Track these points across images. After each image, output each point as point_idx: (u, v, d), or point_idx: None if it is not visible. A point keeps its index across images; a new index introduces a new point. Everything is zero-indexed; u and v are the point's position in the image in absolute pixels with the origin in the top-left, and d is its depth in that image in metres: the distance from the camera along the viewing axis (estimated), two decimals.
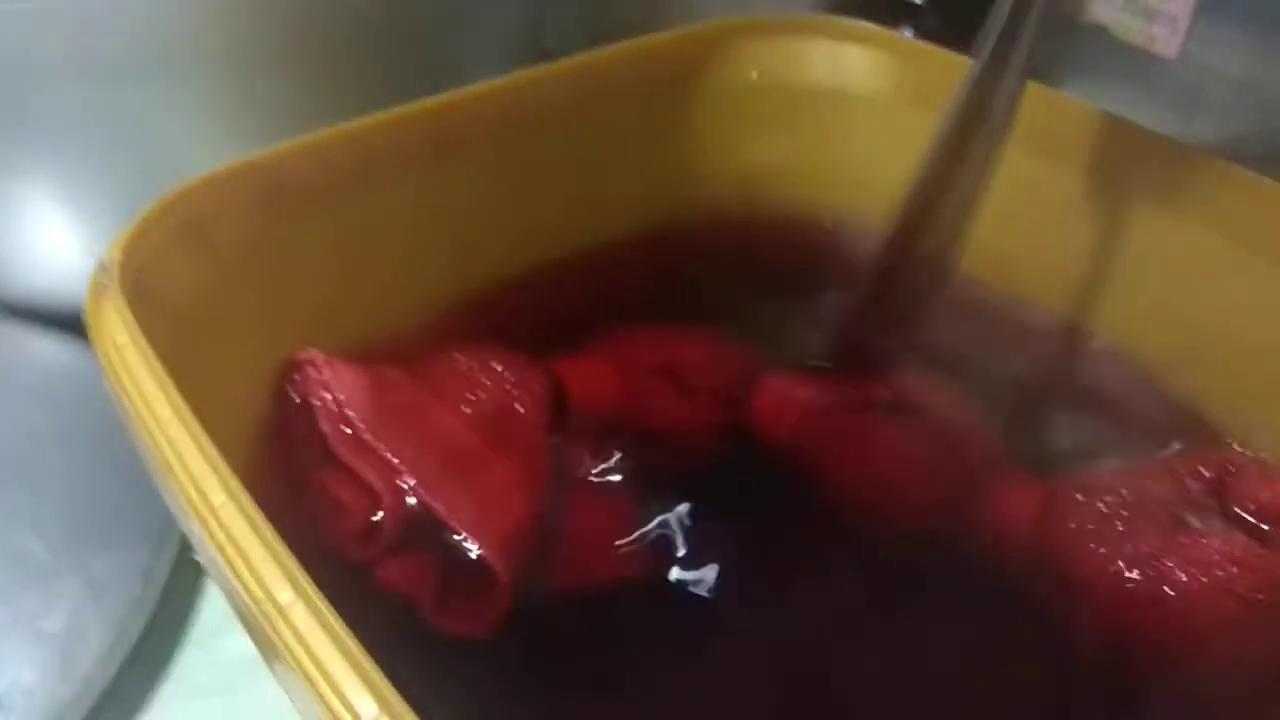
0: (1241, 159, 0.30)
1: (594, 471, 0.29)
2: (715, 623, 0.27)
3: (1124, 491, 0.26)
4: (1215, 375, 0.30)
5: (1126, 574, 0.25)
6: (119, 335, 0.21)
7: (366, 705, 0.14)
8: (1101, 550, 0.25)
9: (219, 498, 0.18)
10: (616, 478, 0.29)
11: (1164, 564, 0.24)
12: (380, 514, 0.25)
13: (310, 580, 0.16)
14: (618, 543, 0.27)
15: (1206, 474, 0.26)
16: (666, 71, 0.36)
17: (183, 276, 0.25)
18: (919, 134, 0.30)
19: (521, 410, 0.28)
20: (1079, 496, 0.26)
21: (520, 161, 0.33)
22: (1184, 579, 0.24)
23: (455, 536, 0.25)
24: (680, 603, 0.27)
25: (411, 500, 0.25)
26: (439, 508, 0.25)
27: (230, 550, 0.17)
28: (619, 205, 0.36)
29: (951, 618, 0.26)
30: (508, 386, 0.28)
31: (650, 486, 0.29)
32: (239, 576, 0.16)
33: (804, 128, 0.37)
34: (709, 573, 0.27)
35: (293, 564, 0.16)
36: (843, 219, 0.38)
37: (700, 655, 0.26)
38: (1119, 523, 0.25)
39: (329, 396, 0.27)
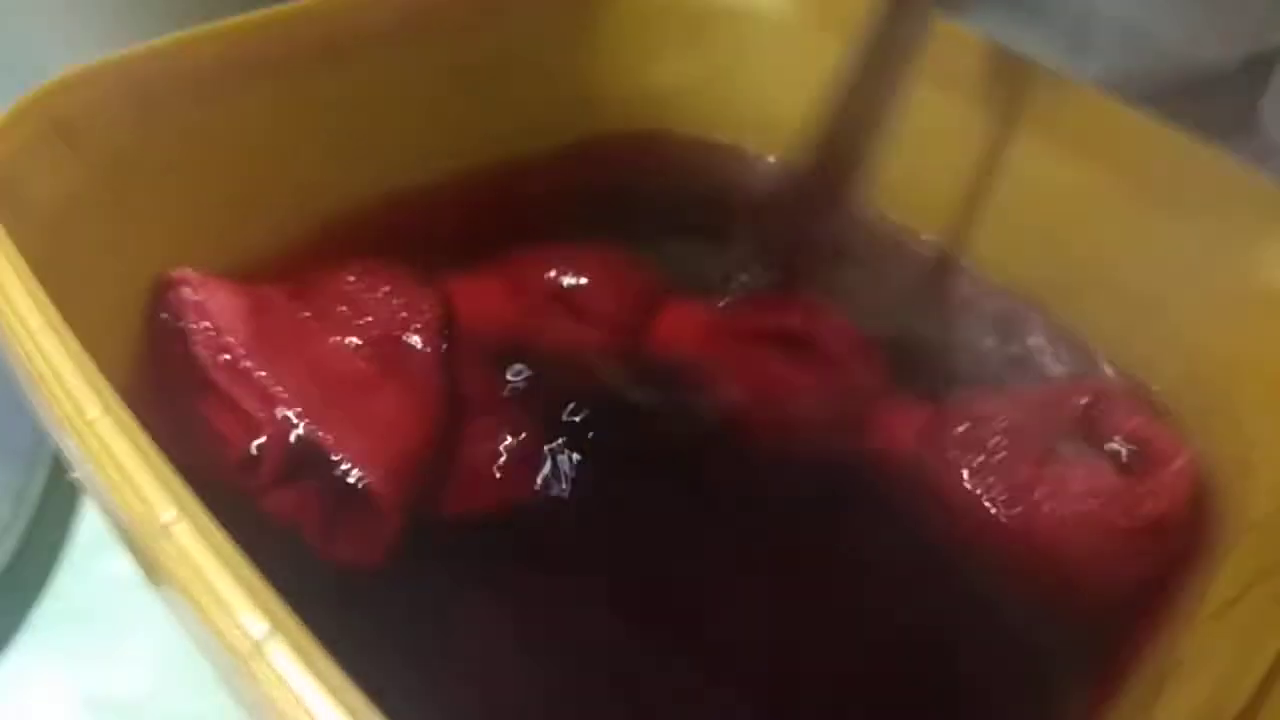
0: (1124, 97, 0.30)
1: (487, 394, 0.29)
2: (604, 544, 0.27)
3: (1002, 420, 0.27)
4: (1094, 306, 0.31)
5: (998, 506, 0.26)
6: None
7: (257, 625, 0.14)
8: (975, 481, 0.27)
9: (94, 411, 0.17)
10: (510, 400, 0.29)
11: (1032, 497, 0.26)
12: (260, 444, 0.25)
13: (194, 497, 0.16)
14: (511, 465, 0.27)
15: (1080, 402, 0.28)
16: None
17: (50, 180, 0.24)
18: (826, 58, 0.30)
19: (413, 334, 0.28)
20: (960, 424, 0.28)
21: (418, 65, 0.32)
22: (1049, 510, 0.26)
23: (342, 466, 0.24)
24: (571, 524, 0.27)
25: (295, 430, 0.25)
26: (324, 437, 0.25)
27: (109, 467, 0.16)
28: (521, 118, 0.35)
29: (835, 536, 0.27)
30: (398, 309, 0.28)
31: (544, 408, 0.28)
32: (118, 493, 0.16)
33: (713, 49, 0.37)
34: (599, 494, 0.27)
35: (175, 480, 0.16)
36: (748, 143, 0.38)
37: (587, 577, 0.26)
38: (994, 453, 0.27)
39: (204, 321, 0.26)
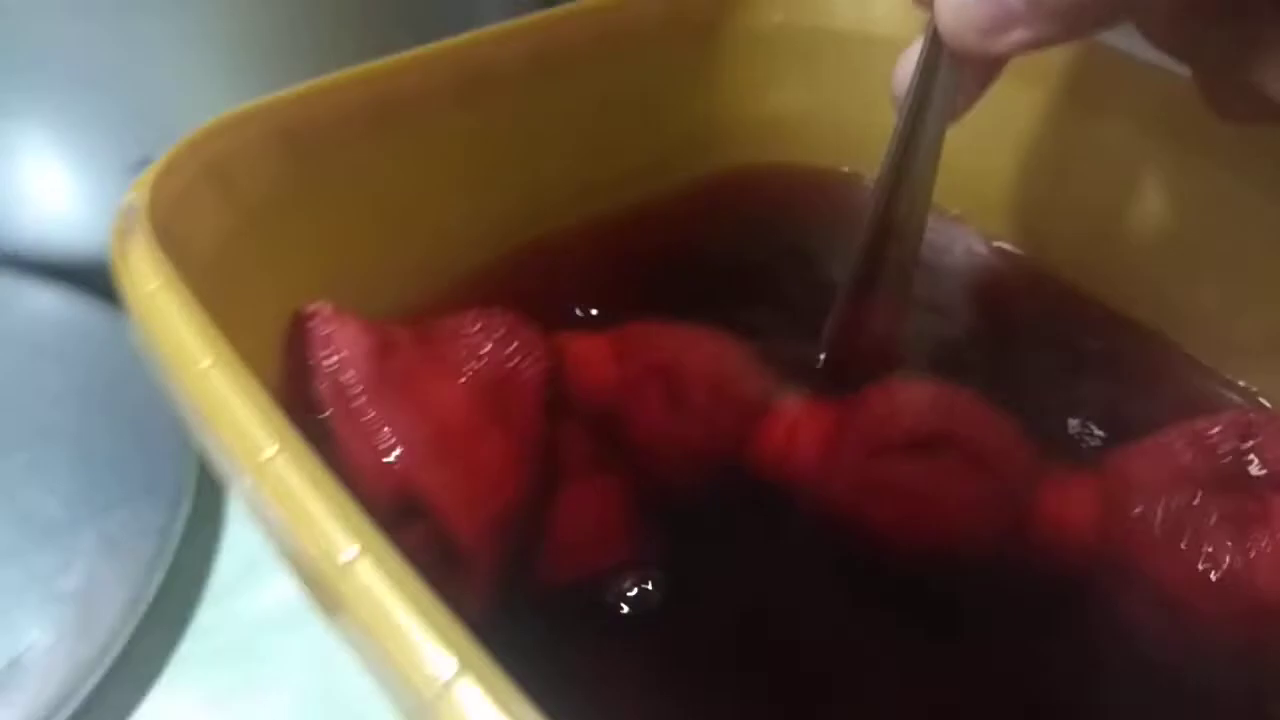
0: None
1: (584, 461, 0.28)
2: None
3: (1176, 479, 0.25)
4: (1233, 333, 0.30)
5: (1217, 573, 0.24)
6: (150, 282, 0.20)
7: (446, 663, 0.14)
8: (1184, 551, 0.25)
9: (271, 449, 0.17)
10: (608, 468, 0.28)
11: (1251, 556, 0.24)
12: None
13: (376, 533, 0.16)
14: (608, 537, 0.27)
15: (1230, 440, 0.26)
16: (693, 13, 0.35)
17: (206, 222, 0.25)
18: None
19: (523, 381, 0.28)
20: (1139, 492, 0.26)
21: (548, 103, 0.33)
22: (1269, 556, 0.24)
23: (442, 518, 0.24)
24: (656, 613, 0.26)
25: (395, 475, 0.25)
26: (425, 487, 0.25)
27: (289, 505, 0.16)
28: (645, 156, 0.36)
29: (1030, 649, 0.25)
30: (509, 355, 0.28)
31: (642, 483, 0.28)
32: (299, 533, 0.16)
33: (828, 73, 0.37)
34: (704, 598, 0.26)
35: (357, 516, 0.16)
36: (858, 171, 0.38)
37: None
38: (1188, 516, 0.25)
39: (331, 356, 0.26)
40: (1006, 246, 0.35)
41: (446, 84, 0.30)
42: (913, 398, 0.28)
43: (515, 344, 0.29)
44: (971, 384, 0.29)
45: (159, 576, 0.31)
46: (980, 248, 0.36)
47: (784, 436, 0.29)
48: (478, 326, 0.29)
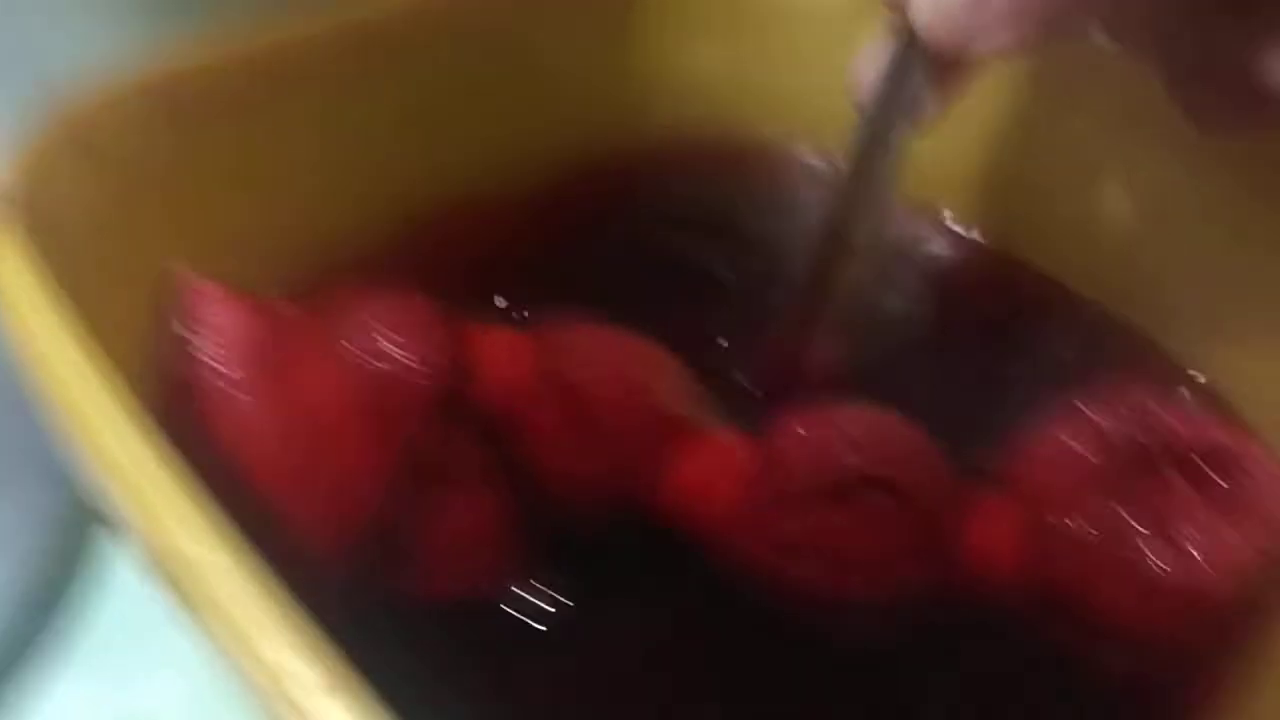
0: None
1: (477, 469, 0.26)
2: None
3: (1083, 487, 0.25)
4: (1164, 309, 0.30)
5: (1157, 570, 0.24)
6: (20, 273, 0.19)
7: (294, 663, 0.14)
8: (1111, 565, 0.24)
9: (123, 440, 0.16)
10: (500, 481, 0.27)
11: (1184, 551, 0.24)
12: None
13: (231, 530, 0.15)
14: (486, 554, 0.26)
15: (1160, 419, 0.26)
16: None
17: (81, 200, 0.23)
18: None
19: (413, 376, 0.26)
20: (1052, 507, 0.25)
21: (444, 75, 0.32)
22: (1206, 559, 0.24)
23: (297, 524, 0.23)
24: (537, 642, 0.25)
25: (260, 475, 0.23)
26: (286, 490, 0.23)
27: (147, 505, 0.16)
28: (554, 124, 0.35)
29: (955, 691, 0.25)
30: (406, 343, 0.26)
31: (536, 503, 0.26)
32: (156, 532, 0.15)
33: (752, 37, 0.36)
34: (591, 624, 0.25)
35: (218, 519, 0.15)
36: (789, 140, 0.36)
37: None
38: (1130, 513, 0.24)
39: (209, 337, 0.25)
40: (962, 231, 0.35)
41: (338, 52, 0.29)
42: (842, 433, 0.26)
43: (410, 333, 0.26)
44: (904, 379, 0.28)
45: (51, 566, 0.30)
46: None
47: (699, 479, 0.27)
48: (372, 308, 0.27)
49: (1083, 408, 0.26)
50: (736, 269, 0.34)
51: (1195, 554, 0.23)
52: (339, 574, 0.23)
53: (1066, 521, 0.24)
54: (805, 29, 0.35)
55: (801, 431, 0.26)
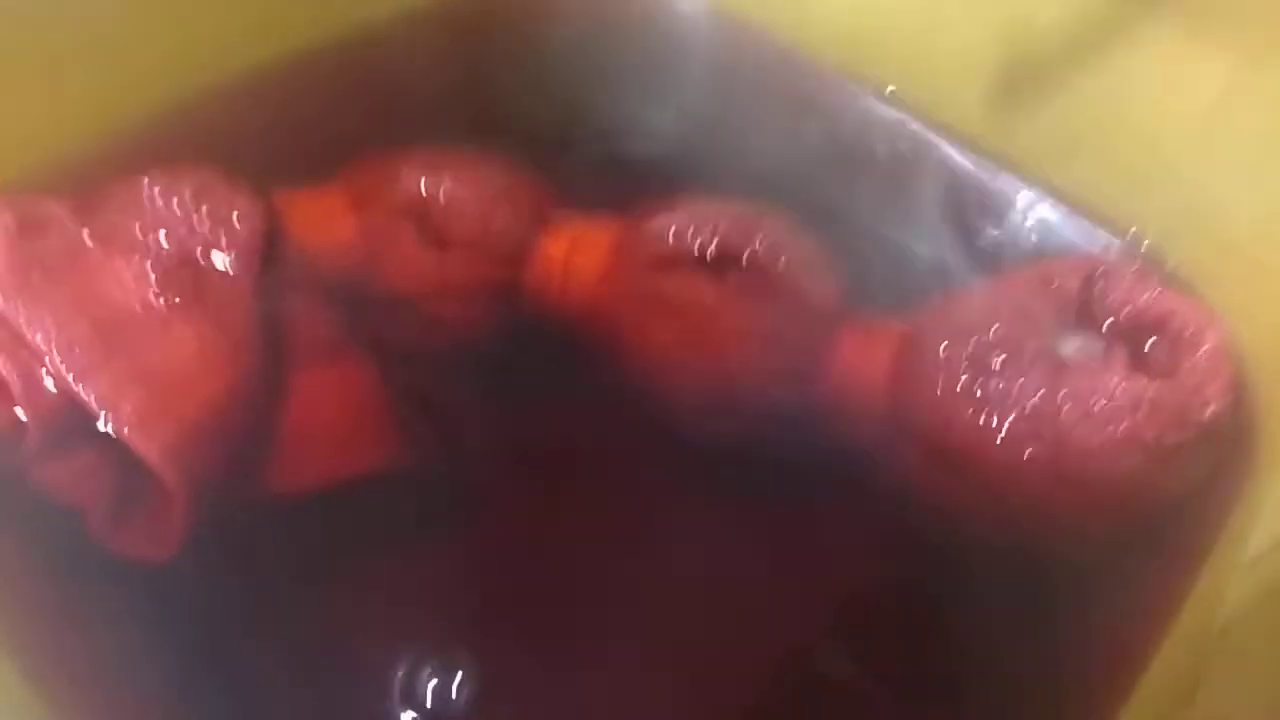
0: None
1: (324, 339, 0.23)
2: (477, 539, 0.23)
3: (990, 326, 0.22)
4: (1089, 166, 0.26)
5: (1015, 440, 0.21)
6: None
7: None
8: (980, 414, 0.21)
9: None
10: (353, 348, 0.24)
11: (1058, 420, 0.21)
12: (20, 404, 0.20)
13: None
14: (352, 430, 0.23)
15: (1075, 283, 0.22)
16: None
17: None
18: None
19: (219, 254, 0.23)
20: (940, 342, 0.22)
21: None
22: (1085, 435, 0.20)
23: (119, 430, 0.20)
24: (428, 513, 0.23)
25: (55, 386, 0.20)
26: (91, 395, 0.20)
27: None
28: None
29: (800, 514, 0.23)
30: (202, 223, 0.23)
31: (397, 359, 0.24)
32: None
33: None
34: (467, 474, 0.23)
35: None
36: None
37: (457, 578, 0.22)
38: (993, 372, 0.21)
39: None
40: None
41: None
42: (705, 213, 0.24)
43: (209, 209, 0.23)
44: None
45: None
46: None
47: (562, 257, 0.25)
48: (159, 189, 0.23)
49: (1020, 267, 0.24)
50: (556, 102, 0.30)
51: (1079, 421, 0.20)
52: (179, 478, 0.20)
53: (948, 356, 0.22)
54: None
55: (671, 210, 0.24)
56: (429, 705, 0.20)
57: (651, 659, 0.21)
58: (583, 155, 0.28)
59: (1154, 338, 0.22)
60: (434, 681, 0.20)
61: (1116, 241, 0.26)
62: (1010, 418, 0.21)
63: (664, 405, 0.24)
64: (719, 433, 0.24)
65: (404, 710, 0.20)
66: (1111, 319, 0.22)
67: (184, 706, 0.19)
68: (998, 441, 0.21)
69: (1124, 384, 0.21)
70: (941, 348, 0.22)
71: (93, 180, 0.23)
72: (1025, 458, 0.21)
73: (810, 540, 0.23)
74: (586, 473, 0.24)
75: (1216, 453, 0.21)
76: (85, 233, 0.22)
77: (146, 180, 0.23)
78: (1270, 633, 0.17)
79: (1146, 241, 0.25)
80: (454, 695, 0.20)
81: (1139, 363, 0.22)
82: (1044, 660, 0.20)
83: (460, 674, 0.20)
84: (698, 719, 0.21)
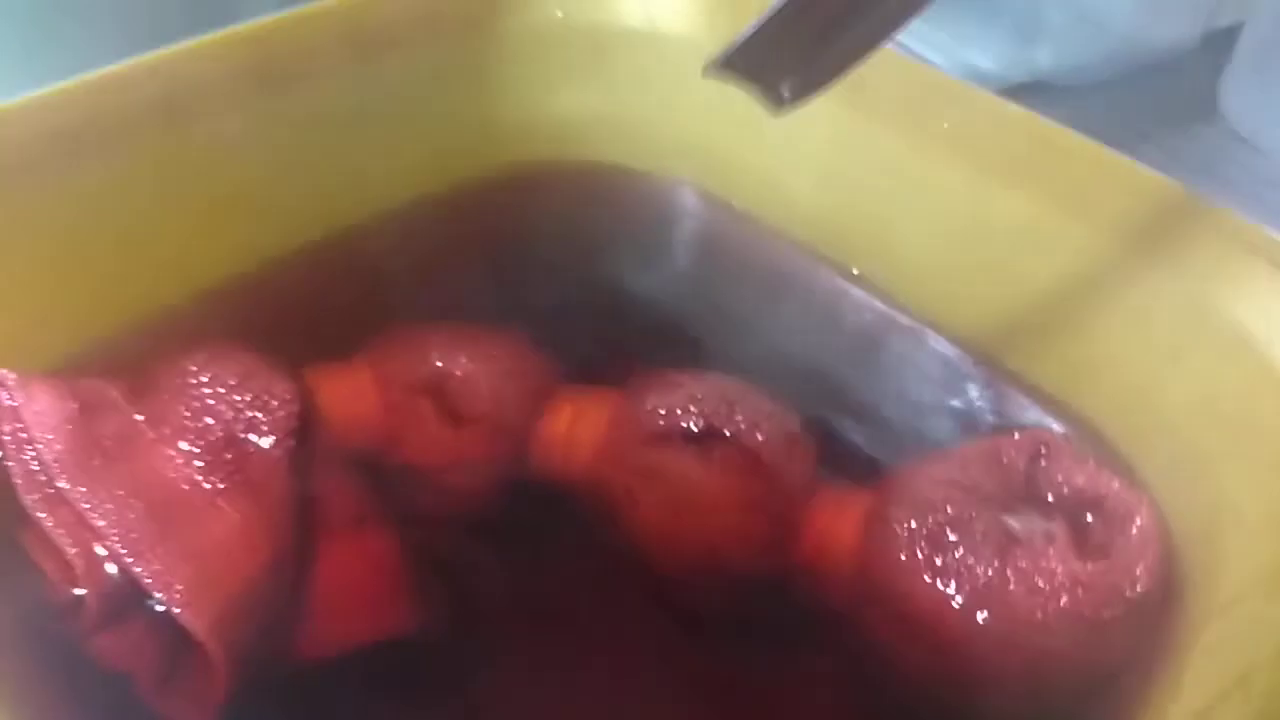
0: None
1: (351, 511, 0.25)
2: (496, 693, 0.24)
3: (946, 500, 0.24)
4: (1037, 351, 0.29)
5: (968, 610, 0.23)
6: None
7: None
8: (936, 584, 0.24)
9: None
10: (378, 520, 0.26)
11: (1007, 593, 0.23)
12: (80, 581, 0.22)
13: None
14: (375, 596, 0.25)
15: (1023, 460, 0.25)
16: (459, 10, 0.32)
17: None
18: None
19: (260, 437, 0.25)
20: (901, 515, 0.24)
21: (279, 123, 0.29)
22: (1030, 607, 0.23)
23: (171, 607, 0.22)
24: (450, 674, 0.24)
25: (112, 568, 0.22)
26: (143, 573, 0.22)
27: None
28: (404, 173, 0.32)
29: (771, 673, 0.25)
30: (244, 406, 0.25)
31: (418, 531, 0.25)
32: None
33: (617, 73, 0.34)
34: (484, 637, 0.25)
35: None
36: (657, 171, 0.35)
37: None
38: (948, 545, 0.24)
39: (20, 431, 0.23)
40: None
41: (157, 99, 0.26)
42: (692, 390, 0.26)
43: (252, 391, 0.25)
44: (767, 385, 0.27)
45: None
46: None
47: (564, 430, 0.27)
48: (205, 374, 0.25)
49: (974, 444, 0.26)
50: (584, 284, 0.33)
51: (1026, 595, 0.23)
52: (221, 648, 0.21)
53: (916, 522, 0.24)
54: (665, 67, 0.33)
55: (661, 384, 0.27)
56: None
57: None
58: (582, 328, 0.31)
59: (1091, 514, 0.24)
60: None
61: (1065, 426, 0.28)
62: (964, 589, 0.23)
63: (656, 569, 0.26)
64: (705, 595, 0.26)
65: None
66: (1053, 495, 0.25)
67: None
68: (953, 610, 0.23)
69: (1064, 562, 0.23)
70: (902, 521, 0.24)
71: (131, 363, 0.26)
72: (977, 625, 0.23)
73: (784, 696, 0.25)
74: (584, 631, 0.26)
75: (1144, 625, 0.23)
76: (138, 416, 0.24)
77: (192, 365, 0.25)
78: None
79: (1092, 428, 0.28)
80: None
81: (1078, 539, 0.24)
82: None
83: None
84: None
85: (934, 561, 0.24)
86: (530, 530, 0.27)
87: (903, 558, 0.24)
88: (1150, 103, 0.47)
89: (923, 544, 0.24)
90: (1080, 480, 0.25)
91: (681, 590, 0.26)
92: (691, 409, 0.26)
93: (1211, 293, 0.25)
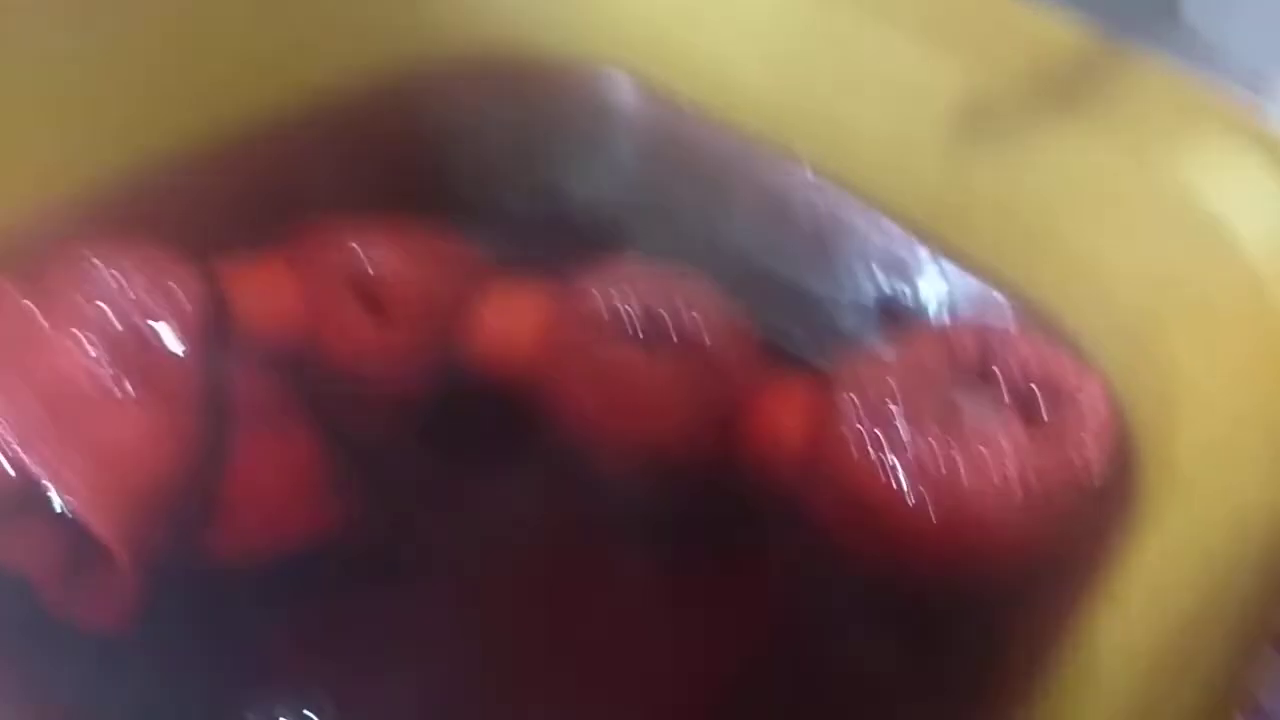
0: None
1: (271, 407, 0.24)
2: (423, 594, 0.23)
3: (895, 385, 0.23)
4: (991, 231, 0.28)
5: (914, 493, 0.22)
6: None
7: None
8: (884, 469, 0.23)
9: None
10: (299, 417, 0.25)
11: (954, 475, 0.22)
12: None
13: None
14: (300, 497, 0.24)
15: (972, 342, 0.24)
16: None
17: None
18: None
19: (166, 330, 0.23)
20: (849, 401, 0.24)
21: (187, 7, 0.27)
22: (972, 485, 0.22)
23: (70, 506, 0.21)
24: (378, 571, 0.24)
25: (7, 465, 0.21)
26: (39, 469, 0.21)
27: None
28: (324, 62, 0.30)
29: (717, 566, 0.24)
30: (148, 298, 0.23)
31: (343, 427, 0.25)
32: None
33: None
34: (419, 534, 0.24)
35: None
36: (592, 57, 0.33)
37: (401, 641, 0.22)
38: (896, 430, 0.23)
39: None
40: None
41: None
42: (631, 279, 0.26)
43: (156, 282, 0.24)
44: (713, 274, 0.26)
45: None
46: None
47: (497, 323, 0.26)
48: (106, 266, 0.24)
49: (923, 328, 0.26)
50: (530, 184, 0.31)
51: (975, 475, 0.22)
52: (127, 549, 0.20)
53: (857, 414, 0.23)
54: None
55: (603, 277, 0.26)
56: None
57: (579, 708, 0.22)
58: (517, 223, 0.29)
59: (1043, 396, 0.23)
60: None
61: (1015, 304, 0.27)
62: (910, 472, 0.22)
63: (596, 464, 0.25)
64: (646, 489, 0.25)
65: None
66: (1005, 378, 0.24)
67: None
68: (899, 494, 0.22)
69: (1014, 442, 0.22)
70: (849, 405, 0.23)
71: (31, 254, 0.24)
72: (923, 509, 0.22)
73: (730, 587, 0.24)
74: (519, 531, 0.25)
75: (1097, 504, 0.23)
76: (32, 308, 0.23)
77: (90, 255, 0.24)
78: (1134, 671, 0.19)
79: (1042, 304, 0.27)
80: None
81: (1030, 420, 0.23)
82: (936, 697, 0.22)
83: None
84: None
85: (881, 445, 0.23)
86: (464, 427, 0.26)
87: (850, 442, 0.23)
88: (1109, 6, 0.45)
89: (870, 428, 0.23)
90: (1031, 361, 0.24)
91: (622, 485, 0.25)
92: (632, 298, 0.25)
93: (1164, 162, 0.24)
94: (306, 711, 0.21)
